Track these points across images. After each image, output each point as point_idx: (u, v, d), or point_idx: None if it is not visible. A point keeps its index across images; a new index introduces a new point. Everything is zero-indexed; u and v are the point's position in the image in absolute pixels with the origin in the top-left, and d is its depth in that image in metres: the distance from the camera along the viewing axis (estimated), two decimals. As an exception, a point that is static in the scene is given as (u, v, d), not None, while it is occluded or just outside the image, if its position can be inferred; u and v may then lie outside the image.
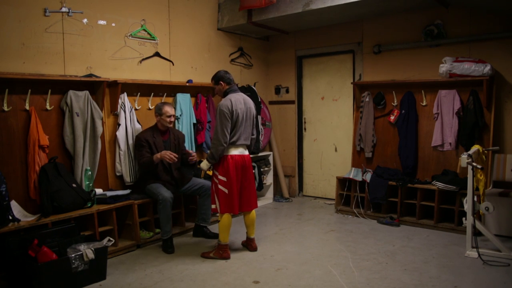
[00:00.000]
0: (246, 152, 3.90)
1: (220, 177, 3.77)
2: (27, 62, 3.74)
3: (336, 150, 6.13)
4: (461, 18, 4.83)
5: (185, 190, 4.45)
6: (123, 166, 4.37)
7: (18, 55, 3.69)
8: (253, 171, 5.90)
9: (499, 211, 4.21)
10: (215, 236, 4.27)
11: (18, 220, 3.39)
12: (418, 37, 5.13)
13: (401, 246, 4.10)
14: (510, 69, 4.56)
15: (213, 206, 3.88)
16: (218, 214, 3.86)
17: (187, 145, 5.06)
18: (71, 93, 3.92)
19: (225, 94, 3.90)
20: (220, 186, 3.76)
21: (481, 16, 4.70)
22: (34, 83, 3.71)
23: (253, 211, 3.98)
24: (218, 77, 3.93)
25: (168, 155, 4.05)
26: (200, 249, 4.11)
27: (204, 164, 3.90)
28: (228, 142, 3.73)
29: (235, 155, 3.79)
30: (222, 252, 3.82)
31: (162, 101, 4.84)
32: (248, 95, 5.82)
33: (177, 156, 4.12)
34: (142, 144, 4.19)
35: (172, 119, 4.29)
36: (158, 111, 4.26)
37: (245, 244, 4.13)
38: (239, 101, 3.80)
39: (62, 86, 3.91)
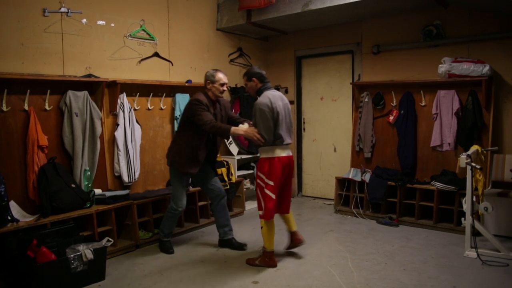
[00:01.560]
0: (291, 152, 3.70)
1: (267, 181, 3.53)
2: (26, 62, 3.74)
3: (335, 150, 6.13)
4: (460, 19, 4.83)
5: (205, 181, 4.10)
6: (122, 167, 4.36)
7: (17, 55, 3.69)
8: (254, 171, 5.91)
9: (498, 211, 4.22)
10: (241, 246, 4.09)
11: (17, 221, 3.39)
12: (417, 38, 5.13)
13: (400, 246, 4.10)
14: (509, 69, 4.57)
15: (260, 213, 3.62)
16: (261, 220, 3.61)
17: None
18: (70, 93, 3.92)
19: (259, 92, 3.65)
20: (267, 191, 3.54)
21: (480, 17, 4.70)
22: (33, 83, 3.70)
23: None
24: (251, 73, 3.68)
25: (255, 136, 3.52)
26: (199, 250, 4.11)
27: (242, 130, 3.63)
28: (271, 141, 3.51)
29: (283, 156, 3.57)
30: (268, 259, 3.63)
31: (161, 101, 4.85)
32: (247, 96, 5.87)
33: (260, 138, 3.57)
34: (203, 107, 3.70)
35: (225, 88, 3.89)
36: (211, 77, 3.82)
37: (289, 245, 3.93)
38: (276, 98, 3.57)
39: (61, 86, 3.91)
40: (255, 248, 4.06)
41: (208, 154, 3.97)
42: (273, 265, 3.63)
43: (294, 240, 3.89)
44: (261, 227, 3.62)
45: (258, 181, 3.61)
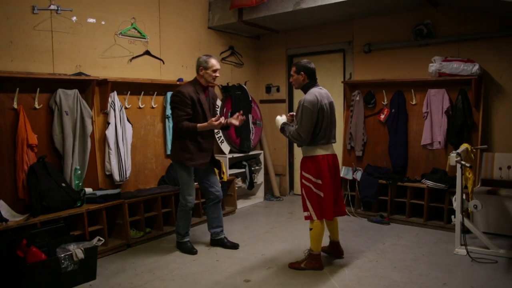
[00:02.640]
0: (335, 151, 3.60)
1: (314, 179, 3.41)
2: (15, 60, 3.70)
3: (326, 149, 6.14)
4: (450, 18, 4.87)
5: (205, 179, 3.98)
6: (113, 165, 4.33)
7: (6, 53, 3.64)
8: (243, 169, 5.91)
9: (487, 209, 4.26)
10: (234, 246, 4.05)
11: (6, 220, 3.36)
12: (408, 37, 5.16)
13: (391, 244, 4.13)
14: (498, 68, 4.62)
15: (305, 214, 3.49)
16: (310, 222, 3.50)
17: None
18: (60, 91, 3.88)
19: (304, 88, 3.51)
20: (315, 190, 3.41)
21: (470, 16, 4.74)
22: (23, 81, 3.67)
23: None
24: (302, 67, 3.48)
25: (218, 124, 3.57)
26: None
27: (277, 123, 3.63)
28: (309, 140, 3.41)
29: (328, 154, 3.47)
30: (315, 262, 3.49)
31: (152, 100, 4.82)
32: (238, 94, 5.87)
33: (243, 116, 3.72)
34: (186, 101, 3.59)
35: (218, 74, 3.77)
36: (204, 63, 3.70)
37: (327, 250, 3.81)
38: (323, 96, 3.44)
39: (51, 84, 3.87)
40: (248, 247, 4.06)
41: (208, 146, 3.89)
42: (320, 268, 3.50)
43: (336, 252, 3.77)
44: (310, 229, 3.48)
45: (304, 181, 3.48)
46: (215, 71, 3.73)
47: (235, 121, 3.82)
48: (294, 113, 3.62)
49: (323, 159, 3.44)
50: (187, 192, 3.86)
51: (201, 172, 3.95)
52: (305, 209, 3.49)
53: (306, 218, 3.50)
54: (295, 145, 6.44)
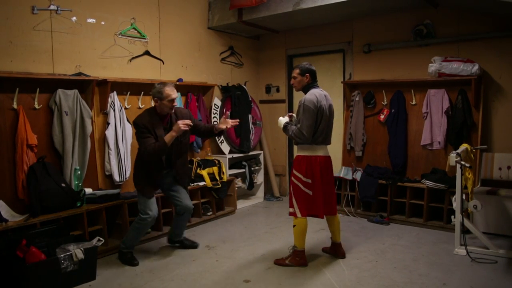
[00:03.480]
0: (328, 153, 3.65)
1: (304, 179, 3.49)
2: (14, 61, 3.70)
3: (326, 149, 6.14)
4: (450, 18, 4.87)
5: (172, 193, 3.90)
6: (113, 166, 4.33)
7: (5, 53, 3.64)
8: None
9: (487, 209, 4.26)
10: (193, 245, 4.07)
11: (6, 221, 3.36)
12: (407, 37, 5.16)
13: (391, 244, 4.13)
14: (497, 68, 4.62)
15: (290, 210, 3.58)
16: (293, 218, 3.56)
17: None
18: (60, 92, 3.88)
19: (305, 88, 3.56)
20: (303, 188, 3.49)
21: (470, 17, 4.75)
22: (22, 81, 3.66)
23: (337, 214, 3.77)
24: (307, 69, 3.55)
25: (181, 123, 3.43)
26: (191, 249, 4.09)
27: (280, 122, 3.66)
28: (310, 139, 3.46)
29: (320, 156, 3.53)
30: (299, 258, 3.58)
31: (152, 100, 4.80)
32: (238, 94, 5.87)
33: (190, 123, 3.51)
34: (143, 130, 3.50)
35: (175, 103, 3.59)
36: (158, 94, 3.51)
37: (328, 251, 3.87)
38: (322, 97, 3.50)
39: (50, 84, 3.87)
40: (248, 247, 4.06)
41: (169, 171, 3.77)
42: (304, 264, 3.58)
43: (337, 252, 3.80)
44: (294, 225, 3.56)
45: (293, 179, 3.55)
46: (171, 101, 3.52)
47: (223, 125, 3.73)
48: (293, 114, 3.74)
49: (315, 159, 3.52)
50: (148, 207, 3.69)
51: (165, 187, 3.88)
52: (291, 205, 3.58)
53: (290, 214, 3.59)
54: (295, 145, 6.44)
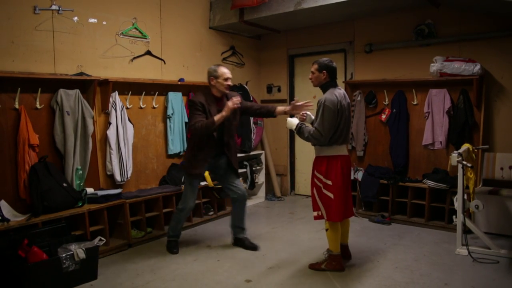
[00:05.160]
0: (347, 152, 3.56)
1: (325, 180, 3.37)
2: (16, 60, 3.70)
3: (328, 149, 6.13)
4: (451, 18, 4.86)
5: (226, 180, 3.98)
6: (114, 165, 4.34)
7: (7, 53, 3.65)
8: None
9: (489, 209, 4.26)
10: (254, 247, 4.00)
11: (8, 220, 3.36)
12: (409, 37, 5.15)
13: (392, 244, 4.12)
14: (499, 68, 4.61)
15: (314, 214, 3.45)
16: (324, 222, 3.46)
17: (179, 143, 5.05)
18: (61, 91, 3.89)
19: (324, 86, 3.47)
20: (324, 191, 3.37)
21: (471, 16, 4.74)
22: (24, 81, 3.67)
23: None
24: (325, 65, 3.43)
25: (231, 102, 3.54)
26: (192, 248, 4.10)
27: (291, 124, 3.52)
28: (327, 139, 3.35)
29: (342, 155, 3.42)
30: (335, 263, 3.44)
31: (154, 100, 4.83)
32: (240, 94, 5.85)
33: (240, 100, 3.63)
34: (197, 107, 3.63)
35: (230, 82, 3.75)
36: (214, 73, 3.71)
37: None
38: (342, 97, 3.39)
39: (52, 84, 3.88)
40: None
41: (220, 153, 3.85)
42: (341, 269, 3.45)
43: (344, 254, 3.68)
44: (326, 229, 3.45)
45: (315, 180, 3.44)
46: (226, 79, 3.72)
47: (295, 111, 3.75)
48: (306, 112, 3.62)
49: (336, 159, 3.39)
50: (186, 199, 3.91)
51: (218, 174, 4.01)
52: (316, 208, 3.44)
53: (316, 218, 3.45)
54: (296, 145, 6.45)
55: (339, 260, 3.47)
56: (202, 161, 3.79)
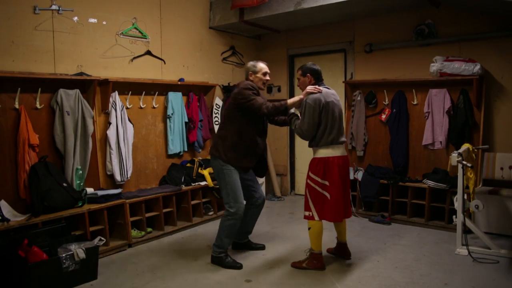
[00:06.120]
0: (346, 152, 3.55)
1: (321, 181, 3.40)
2: (16, 60, 3.70)
3: (328, 148, 6.14)
4: (451, 18, 4.86)
5: (249, 183, 3.77)
6: (114, 165, 4.34)
7: (7, 53, 3.65)
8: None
9: (489, 209, 4.26)
10: (262, 247, 4.01)
11: (8, 220, 3.36)
12: (409, 37, 5.15)
13: (392, 244, 4.12)
14: (499, 68, 4.61)
15: (305, 213, 3.47)
16: (308, 221, 3.48)
17: (179, 143, 5.05)
18: (61, 91, 3.89)
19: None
20: (321, 191, 3.40)
21: (471, 16, 4.74)
22: (24, 81, 3.67)
23: None
24: (307, 68, 3.52)
25: (312, 87, 3.42)
26: (192, 248, 4.10)
27: (298, 97, 3.50)
28: (311, 137, 3.42)
29: (337, 156, 3.42)
30: (316, 262, 3.49)
31: (154, 100, 4.83)
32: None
33: (316, 88, 3.44)
34: (254, 92, 3.50)
35: (268, 78, 3.69)
36: (253, 68, 3.63)
37: (334, 251, 3.83)
38: (328, 95, 3.42)
39: (52, 84, 3.88)
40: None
41: (258, 151, 3.69)
42: (322, 268, 3.49)
43: (343, 253, 3.75)
44: (309, 228, 3.49)
45: (309, 181, 3.46)
46: (265, 74, 3.64)
47: (311, 87, 3.50)
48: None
49: (333, 160, 3.40)
50: (238, 198, 3.53)
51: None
52: (307, 208, 3.48)
53: (306, 217, 3.49)
54: (296, 145, 6.45)
55: (320, 258, 3.51)
56: (252, 155, 3.61)
